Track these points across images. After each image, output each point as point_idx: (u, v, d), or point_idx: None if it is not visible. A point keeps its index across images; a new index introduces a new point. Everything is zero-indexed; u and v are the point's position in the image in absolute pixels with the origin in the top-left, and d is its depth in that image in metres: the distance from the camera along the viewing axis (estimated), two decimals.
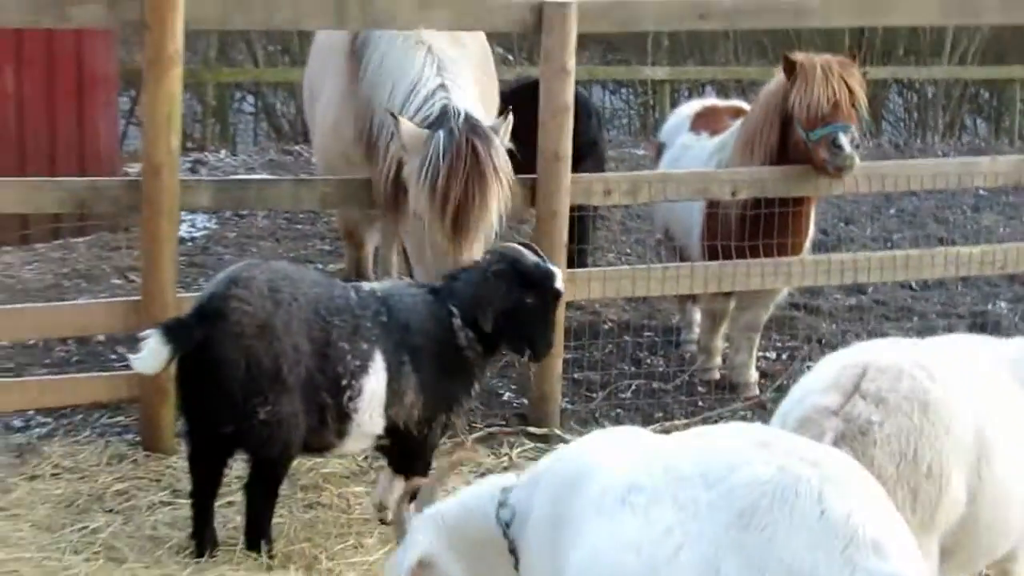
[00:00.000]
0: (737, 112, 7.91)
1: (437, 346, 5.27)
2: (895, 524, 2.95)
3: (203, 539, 5.12)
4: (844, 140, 6.79)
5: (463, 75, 6.44)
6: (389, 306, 5.25)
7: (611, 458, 3.24)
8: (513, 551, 3.46)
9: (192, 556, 5.08)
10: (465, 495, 3.67)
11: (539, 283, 5.31)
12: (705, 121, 8.06)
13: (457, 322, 5.25)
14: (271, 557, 5.06)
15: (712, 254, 7.24)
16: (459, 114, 6.06)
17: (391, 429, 5.23)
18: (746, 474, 2.95)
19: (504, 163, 6.06)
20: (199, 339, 4.88)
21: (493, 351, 5.50)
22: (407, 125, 6.11)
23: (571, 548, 3.12)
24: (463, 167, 5.93)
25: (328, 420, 5.08)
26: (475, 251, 5.97)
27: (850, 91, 6.94)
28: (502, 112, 6.41)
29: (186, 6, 6.01)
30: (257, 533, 5.12)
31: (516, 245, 5.51)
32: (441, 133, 5.99)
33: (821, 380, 4.03)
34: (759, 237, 7.11)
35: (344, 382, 5.05)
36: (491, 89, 7.52)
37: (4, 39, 10.41)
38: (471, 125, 6.03)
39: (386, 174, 6.39)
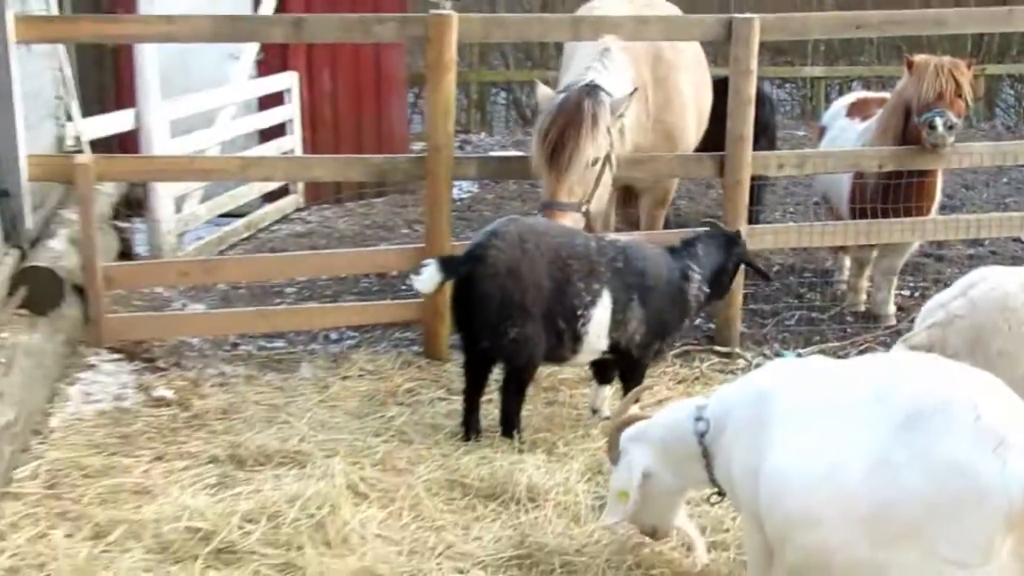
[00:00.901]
0: (882, 102, 7.60)
1: (668, 291, 5.21)
2: None
3: (470, 427, 5.14)
4: (939, 122, 6.51)
5: (617, 67, 6.13)
6: (627, 256, 5.15)
7: (798, 380, 3.11)
8: (706, 455, 3.39)
9: (462, 440, 5.10)
10: (664, 415, 3.59)
11: (740, 253, 5.49)
12: (857, 109, 7.76)
13: (697, 277, 5.26)
14: (521, 442, 5.04)
15: (858, 214, 6.99)
16: (584, 83, 5.88)
17: (613, 348, 5.16)
18: (912, 387, 2.82)
19: (604, 118, 5.76)
20: (464, 274, 4.93)
21: (710, 298, 5.48)
22: (542, 89, 6.10)
23: (768, 449, 3.01)
24: (563, 117, 5.76)
25: (565, 339, 5.04)
26: (568, 188, 5.71)
27: (957, 84, 6.62)
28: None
29: (458, 25, 5.99)
30: (509, 424, 5.12)
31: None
32: (562, 94, 5.88)
33: (954, 285, 4.07)
34: (893, 201, 6.85)
35: (578, 312, 5.00)
36: (703, 80, 7.35)
37: (323, 50, 10.61)
38: (588, 89, 5.85)
39: None
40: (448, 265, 4.96)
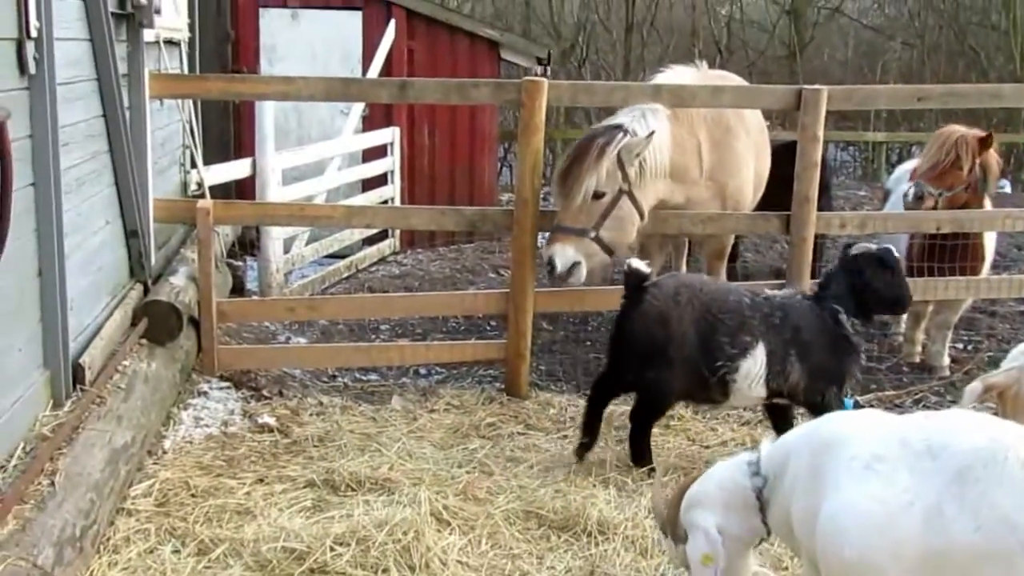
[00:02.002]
0: None
1: (826, 339, 4.99)
2: None
3: (584, 444, 5.19)
4: (910, 192, 6.59)
5: (654, 121, 6.17)
6: (785, 312, 4.99)
7: (859, 432, 3.00)
8: (762, 508, 3.28)
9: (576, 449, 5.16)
10: (716, 478, 3.40)
11: (882, 259, 5.09)
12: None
13: (843, 317, 4.99)
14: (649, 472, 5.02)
15: (914, 272, 6.74)
16: (608, 124, 6.03)
17: (776, 394, 5.03)
18: (964, 443, 2.74)
19: (610, 154, 5.86)
20: (624, 310, 5.07)
21: (869, 320, 5.23)
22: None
23: (825, 497, 2.91)
24: (576, 150, 5.94)
25: (710, 385, 4.96)
26: (572, 214, 5.87)
27: (957, 157, 6.51)
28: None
29: (548, 91, 5.96)
30: (635, 452, 5.15)
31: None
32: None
33: None
34: (947, 260, 6.72)
35: (719, 363, 4.90)
36: (762, 147, 7.26)
37: (423, 107, 10.71)
38: (606, 128, 5.98)
39: None
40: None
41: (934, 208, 6.60)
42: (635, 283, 5.06)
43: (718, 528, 3.30)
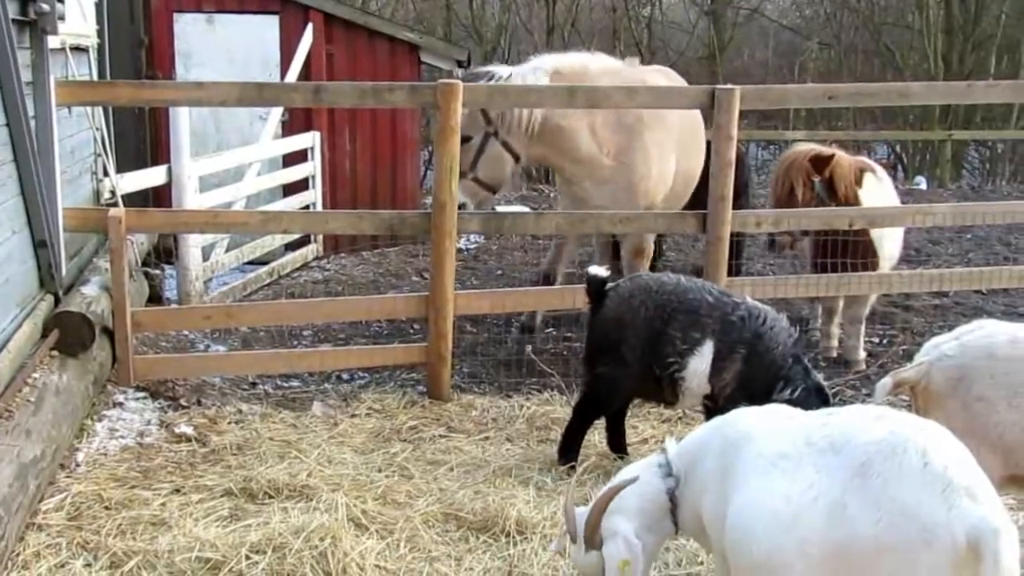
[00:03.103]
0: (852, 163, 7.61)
1: (771, 363, 4.88)
2: (982, 477, 2.72)
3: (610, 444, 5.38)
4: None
5: (532, 79, 6.71)
6: (752, 316, 4.93)
7: (764, 430, 3.07)
8: (674, 509, 3.35)
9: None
10: (630, 485, 3.40)
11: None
12: None
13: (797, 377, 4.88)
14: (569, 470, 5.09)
15: (819, 268, 7.00)
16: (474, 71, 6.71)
17: (710, 396, 5.00)
18: (865, 437, 2.79)
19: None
20: (589, 315, 5.19)
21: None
22: None
23: (734, 493, 2.97)
24: None
25: (662, 385, 5.02)
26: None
27: (791, 185, 6.83)
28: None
29: (463, 93, 5.99)
30: (561, 445, 5.22)
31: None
32: None
33: (955, 330, 4.00)
34: (845, 256, 6.89)
35: (670, 359, 4.93)
36: (689, 145, 7.44)
37: (344, 112, 10.67)
38: (472, 74, 6.71)
39: None
40: (590, 292, 5.16)
41: (791, 240, 6.92)
42: (596, 288, 5.13)
43: (636, 533, 3.35)
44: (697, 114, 7.48)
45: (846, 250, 6.90)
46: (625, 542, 3.33)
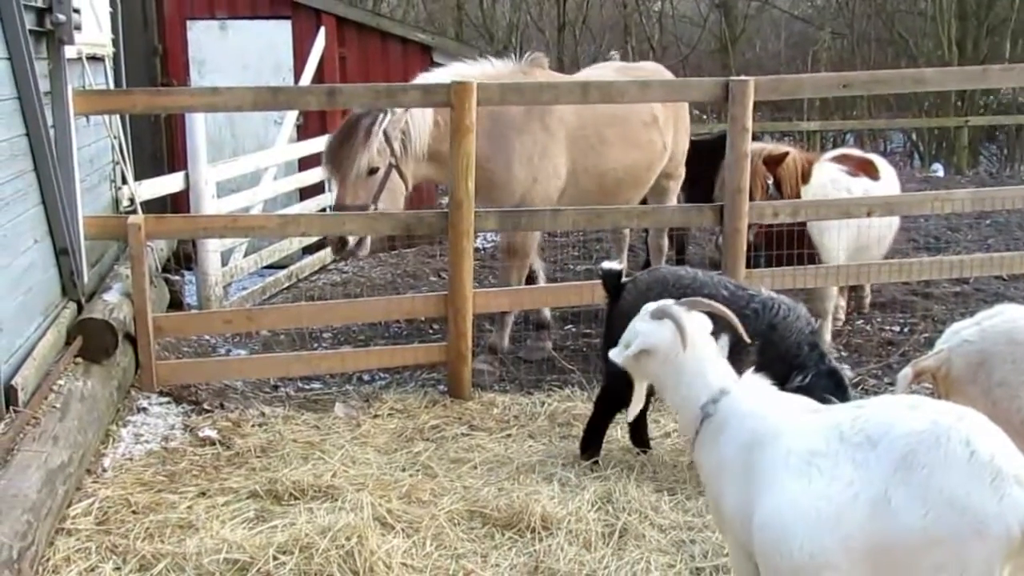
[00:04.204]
0: (861, 162, 7.55)
1: (786, 352, 4.85)
2: None
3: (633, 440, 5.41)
4: None
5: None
6: (767, 308, 4.91)
7: (790, 425, 3.01)
8: (697, 432, 3.27)
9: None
10: (702, 361, 3.32)
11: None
12: (840, 163, 7.67)
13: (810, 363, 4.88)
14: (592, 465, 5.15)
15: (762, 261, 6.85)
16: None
17: None
18: (904, 428, 2.72)
19: (379, 129, 6.31)
20: (607, 310, 5.23)
21: None
22: None
23: (762, 493, 2.91)
24: (344, 129, 6.46)
25: None
26: (348, 191, 6.37)
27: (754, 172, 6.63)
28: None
29: (477, 92, 6.00)
30: (584, 439, 5.25)
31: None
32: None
33: (976, 316, 3.99)
34: (787, 247, 6.78)
35: None
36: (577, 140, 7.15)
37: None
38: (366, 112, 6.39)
39: None
40: (607, 285, 5.20)
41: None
42: (612, 283, 5.14)
43: (654, 348, 3.34)
44: (622, 109, 7.14)
45: (791, 242, 6.78)
46: (649, 336, 3.32)
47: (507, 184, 6.86)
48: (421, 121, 6.56)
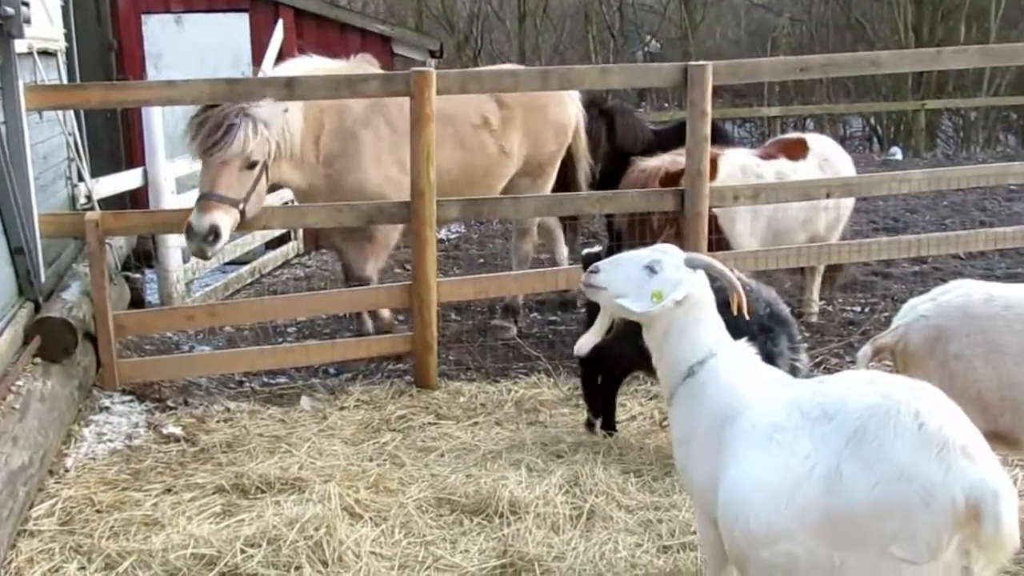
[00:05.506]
0: (788, 144, 7.54)
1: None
2: (978, 437, 2.71)
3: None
4: None
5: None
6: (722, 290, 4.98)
7: (756, 400, 3.07)
8: (673, 395, 3.32)
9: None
10: (698, 326, 3.33)
11: None
12: (770, 147, 7.69)
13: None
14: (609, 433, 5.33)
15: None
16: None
17: None
18: (857, 402, 2.77)
19: (265, 121, 5.79)
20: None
21: None
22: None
23: (729, 464, 2.96)
24: (225, 114, 5.76)
25: (646, 354, 4.98)
26: (224, 180, 5.72)
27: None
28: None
29: (436, 81, 5.98)
30: (595, 415, 5.43)
31: None
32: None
33: (931, 291, 4.02)
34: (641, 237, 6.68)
35: None
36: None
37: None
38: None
39: None
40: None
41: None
42: (588, 266, 5.10)
43: (691, 296, 3.31)
44: (452, 108, 6.80)
45: (647, 229, 6.76)
46: (684, 284, 3.29)
47: (361, 184, 6.60)
48: (297, 119, 6.22)
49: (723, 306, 3.42)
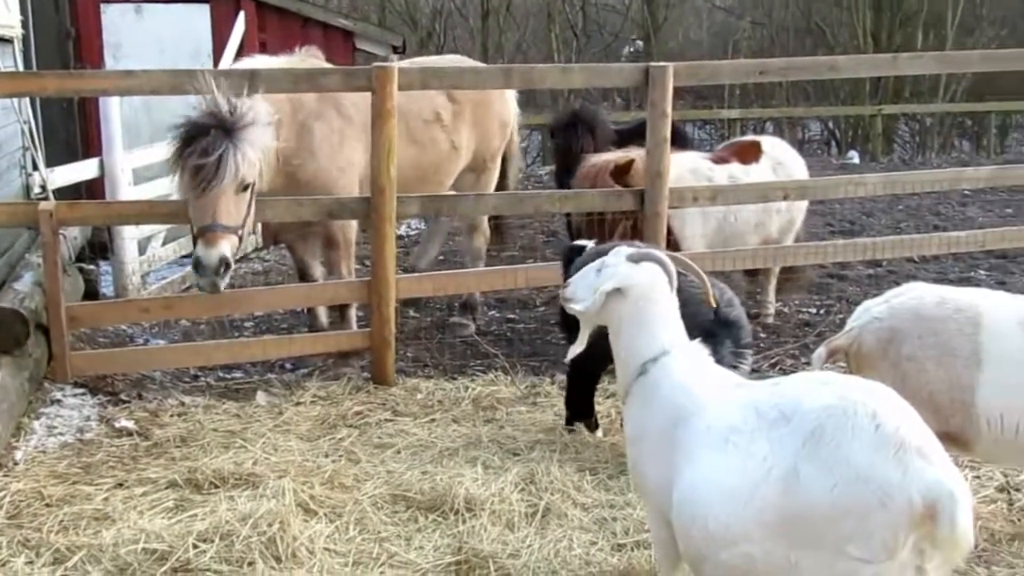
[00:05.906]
0: (742, 147, 7.55)
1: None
2: (933, 437, 2.75)
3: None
4: None
5: (262, 105, 5.75)
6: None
7: (711, 401, 3.07)
8: (628, 393, 3.32)
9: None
10: (652, 322, 3.30)
11: None
12: (724, 151, 7.72)
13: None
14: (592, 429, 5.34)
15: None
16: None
17: None
18: (814, 403, 2.79)
19: (256, 140, 5.50)
20: (565, 276, 5.00)
21: None
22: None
23: (684, 465, 2.96)
24: (209, 140, 5.42)
25: None
26: (224, 209, 5.41)
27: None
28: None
29: (398, 76, 5.95)
30: (569, 410, 5.44)
31: None
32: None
33: (885, 294, 4.09)
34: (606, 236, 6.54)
35: None
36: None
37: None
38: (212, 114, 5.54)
39: None
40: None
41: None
42: (570, 259, 5.07)
43: (627, 287, 3.30)
44: (404, 104, 6.44)
45: (606, 228, 6.67)
46: (616, 279, 3.29)
47: (315, 176, 6.44)
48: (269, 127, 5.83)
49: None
